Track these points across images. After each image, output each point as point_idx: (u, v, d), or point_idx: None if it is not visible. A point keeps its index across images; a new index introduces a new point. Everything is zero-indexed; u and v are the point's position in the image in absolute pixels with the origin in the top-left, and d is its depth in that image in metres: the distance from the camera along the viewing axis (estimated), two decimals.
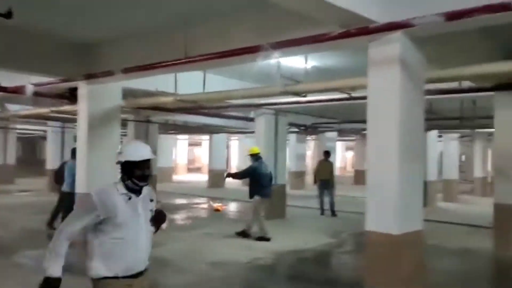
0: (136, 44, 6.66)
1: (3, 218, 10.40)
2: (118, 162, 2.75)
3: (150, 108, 10.00)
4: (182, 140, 31.08)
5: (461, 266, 7.32)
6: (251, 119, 13.42)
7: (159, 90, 8.43)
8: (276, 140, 11.48)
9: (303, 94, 6.33)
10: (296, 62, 7.11)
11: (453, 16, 3.41)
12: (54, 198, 14.34)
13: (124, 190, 2.69)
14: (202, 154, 34.77)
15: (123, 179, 2.72)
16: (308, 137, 23.89)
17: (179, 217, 11.64)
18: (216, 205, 11.31)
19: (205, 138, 30.36)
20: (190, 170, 33.51)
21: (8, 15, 3.83)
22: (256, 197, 8.45)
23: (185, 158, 32.86)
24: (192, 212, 12.70)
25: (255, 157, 8.66)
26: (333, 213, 11.91)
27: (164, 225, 2.96)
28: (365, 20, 3.99)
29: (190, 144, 35.02)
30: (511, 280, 6.66)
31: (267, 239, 8.39)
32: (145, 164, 2.71)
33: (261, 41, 4.60)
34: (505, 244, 7.60)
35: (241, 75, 9.15)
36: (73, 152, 8.54)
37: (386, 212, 4.22)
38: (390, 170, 4.20)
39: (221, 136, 21.88)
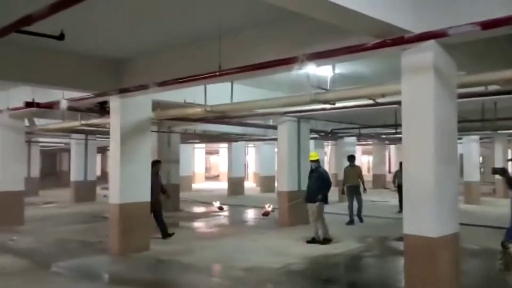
0: (169, 57, 6.90)
1: (36, 230, 10.69)
2: None
3: (178, 119, 10.23)
4: (199, 149, 31.41)
5: (484, 267, 7.34)
6: (272, 127, 13.60)
7: (187, 102, 8.65)
8: (299, 146, 11.62)
9: (332, 102, 6.48)
10: (322, 70, 7.27)
11: (489, 25, 3.54)
12: (79, 209, 14.76)
13: None
14: (219, 162, 35.03)
15: None
16: (325, 143, 23.99)
17: (204, 225, 11.83)
18: (266, 209, 11.30)
19: (222, 146, 30.65)
20: (207, 178, 33.80)
21: (61, 37, 4.07)
22: (320, 201, 8.83)
23: (203, 166, 33.17)
24: (216, 220, 12.88)
25: (317, 162, 9.13)
26: (361, 220, 11.76)
27: None
28: (398, 30, 4.14)
29: (207, 153, 35.36)
30: None
31: (330, 240, 8.86)
32: None
33: (293, 52, 4.79)
34: None
35: (268, 84, 9.34)
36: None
37: (424, 215, 4.33)
38: (427, 174, 4.31)
39: (240, 144, 22.10)
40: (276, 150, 17.35)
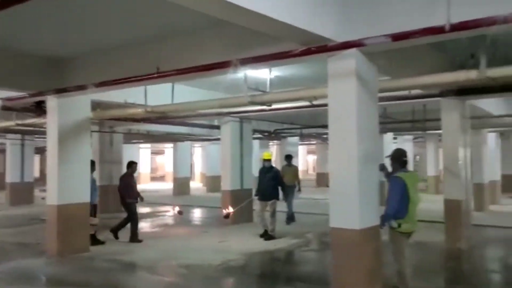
0: (108, 58, 6.90)
1: None
2: None
3: (120, 119, 10.16)
4: (145, 149, 30.94)
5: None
6: (216, 127, 13.78)
7: (128, 102, 8.64)
8: (242, 146, 11.88)
9: (269, 104, 6.76)
10: (260, 72, 7.55)
11: (398, 37, 3.94)
12: (15, 211, 14.17)
13: None
14: (165, 162, 34.67)
15: None
16: (271, 142, 24.48)
17: (148, 226, 11.80)
18: (226, 211, 11.33)
19: (168, 146, 30.40)
20: (153, 178, 33.35)
21: None
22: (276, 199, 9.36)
23: (148, 166, 32.70)
24: (160, 220, 12.88)
25: (271, 162, 9.60)
26: (290, 220, 11.51)
27: None
28: (323, 39, 4.46)
29: (153, 153, 34.89)
30: (458, 270, 7.34)
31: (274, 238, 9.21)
32: None
33: (230, 56, 5.00)
34: (454, 237, 8.31)
35: (209, 85, 9.51)
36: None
37: (349, 209, 4.69)
38: (351, 172, 4.68)
39: (185, 144, 22.06)
40: None
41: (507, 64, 5.09)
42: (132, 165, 9.19)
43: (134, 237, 9.02)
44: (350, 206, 4.71)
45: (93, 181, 8.61)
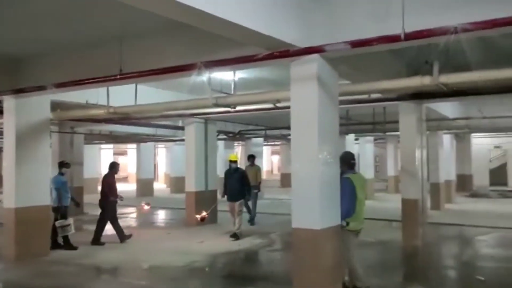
0: (69, 58, 6.77)
1: None
2: None
3: (81, 120, 9.96)
4: (106, 150, 30.27)
5: (375, 256, 8.22)
6: (181, 128, 13.72)
7: (89, 103, 8.49)
8: (206, 147, 11.89)
9: (233, 106, 6.83)
10: (225, 74, 7.61)
11: (357, 44, 4.11)
12: None
13: None
14: (128, 163, 34.04)
15: None
16: (235, 143, 24.54)
17: (110, 228, 11.58)
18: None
19: (130, 147, 29.86)
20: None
21: None
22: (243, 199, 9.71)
23: None
24: (123, 222, 12.65)
25: (237, 163, 9.86)
26: (252, 221, 11.52)
27: None
28: (285, 44, 4.57)
29: (115, 154, 34.18)
30: (414, 266, 7.66)
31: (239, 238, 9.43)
32: None
33: (194, 59, 5.05)
34: (410, 235, 8.65)
35: (173, 86, 9.48)
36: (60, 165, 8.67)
37: (310, 210, 4.82)
38: (312, 173, 4.81)
39: (149, 145, 21.79)
40: None
41: (458, 71, 5.38)
42: (115, 166, 9.33)
43: (97, 240, 8.88)
44: (312, 206, 4.84)
45: (64, 183, 8.50)
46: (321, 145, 4.86)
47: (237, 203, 9.53)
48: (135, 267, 7.24)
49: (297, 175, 4.96)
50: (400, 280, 6.78)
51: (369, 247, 8.64)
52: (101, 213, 9.09)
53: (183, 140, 17.06)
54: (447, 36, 3.77)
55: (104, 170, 30.41)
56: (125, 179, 33.48)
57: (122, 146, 30.71)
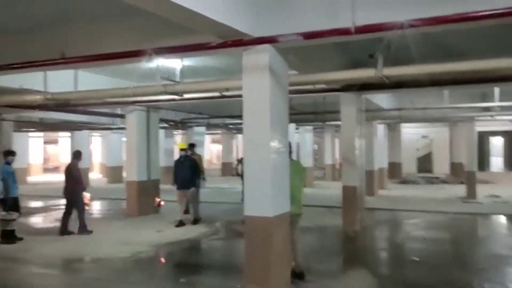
0: (8, 41, 6.26)
1: None
2: None
3: (13, 106, 9.32)
4: (36, 138, 28.52)
5: (317, 241, 8.54)
6: (119, 115, 13.27)
7: (23, 87, 7.95)
8: (148, 136, 11.61)
9: (181, 94, 6.72)
10: (172, 61, 7.44)
11: (309, 36, 4.22)
12: None
13: None
14: (60, 152, 32.35)
15: None
16: (175, 132, 24.16)
17: (43, 221, 11.03)
18: (157, 200, 11.04)
19: (62, 135, 28.38)
20: (46, 170, 30.92)
21: None
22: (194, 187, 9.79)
23: (41, 157, 30.24)
24: (58, 214, 12.06)
25: (186, 151, 10.00)
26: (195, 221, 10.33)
27: None
28: (238, 33, 4.58)
29: (45, 142, 32.33)
30: (353, 250, 8.06)
31: (200, 219, 9.87)
32: None
33: (142, 45, 4.90)
34: (350, 220, 9.08)
35: (117, 73, 9.13)
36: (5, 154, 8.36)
37: (262, 198, 4.91)
38: (264, 161, 4.89)
39: (83, 133, 20.83)
40: (124, 139, 16.92)
41: (398, 64, 5.68)
42: (80, 154, 9.17)
43: (83, 228, 8.83)
44: (264, 194, 4.92)
45: (11, 173, 8.07)
46: (273, 134, 4.94)
47: (189, 191, 9.67)
48: (75, 260, 6.97)
49: (250, 164, 5.01)
50: (340, 263, 7.11)
51: (310, 233, 8.95)
52: (67, 204, 8.85)
53: (122, 128, 16.56)
54: (394, 31, 3.98)
55: (33, 159, 28.56)
56: (55, 169, 31.82)
57: (53, 135, 29.08)
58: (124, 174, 17.87)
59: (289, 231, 5.26)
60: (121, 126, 15.91)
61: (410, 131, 23.23)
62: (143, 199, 11.02)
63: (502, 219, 11.02)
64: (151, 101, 9.77)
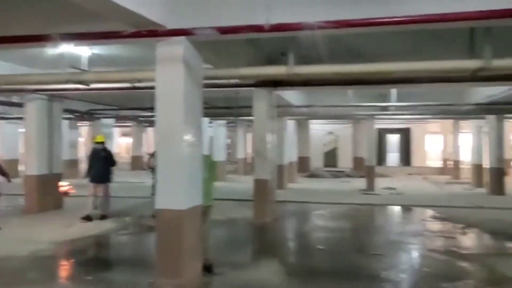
0: None
1: None
2: None
3: None
4: None
5: (228, 233, 8.69)
6: (16, 104, 12.25)
7: None
8: (50, 127, 10.84)
9: (87, 83, 6.39)
10: (80, 49, 7.03)
11: (225, 30, 4.28)
12: None
13: None
14: None
15: None
16: (80, 124, 22.82)
17: None
18: (64, 188, 10.02)
19: None
20: None
21: None
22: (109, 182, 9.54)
23: None
24: None
25: (103, 143, 9.63)
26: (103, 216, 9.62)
27: None
28: (152, 23, 4.48)
29: None
30: (263, 241, 8.34)
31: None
32: None
33: (47, 30, 4.59)
34: (261, 213, 9.36)
35: (18, 58, 8.37)
36: None
37: (175, 190, 4.88)
38: (178, 154, 4.86)
39: None
40: (21, 130, 15.61)
41: (309, 63, 5.97)
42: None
43: None
44: (177, 187, 4.90)
45: None
46: (187, 127, 4.93)
47: (103, 185, 9.43)
48: None
49: (163, 156, 4.95)
50: (251, 254, 7.31)
51: (222, 226, 9.08)
52: None
53: (19, 118, 15.23)
54: (305, 31, 4.19)
55: None
56: None
57: None
58: (22, 168, 16.48)
59: (200, 224, 5.29)
60: (19, 116, 14.64)
61: (317, 128, 24.43)
62: (44, 195, 10.30)
63: (397, 208, 12.10)
64: (54, 89, 9.13)
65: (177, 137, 4.87)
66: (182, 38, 4.69)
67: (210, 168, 5.86)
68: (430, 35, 5.54)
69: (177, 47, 4.80)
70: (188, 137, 4.94)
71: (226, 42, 5.85)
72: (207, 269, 5.62)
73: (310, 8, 4.43)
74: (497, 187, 14.18)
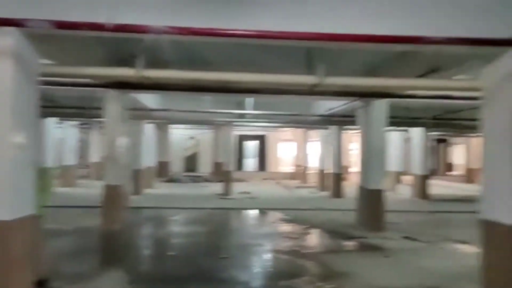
0: None
1: None
2: None
3: None
4: None
5: (72, 243, 8.04)
6: None
7: None
8: None
9: None
10: None
11: (62, 25, 3.97)
12: None
13: None
14: None
15: None
16: None
17: None
18: None
19: None
20: None
21: None
22: None
23: None
24: None
25: None
26: None
27: None
28: None
29: None
30: (111, 249, 7.98)
31: None
32: None
33: None
34: (110, 220, 8.90)
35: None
36: None
37: (0, 200, 4.32)
38: (3, 158, 4.32)
39: None
40: None
41: (159, 67, 5.88)
42: None
43: None
44: (1, 195, 4.36)
45: None
46: (16, 128, 4.42)
47: None
48: None
49: None
50: (96, 264, 6.87)
51: (65, 235, 8.41)
52: None
53: None
54: (151, 35, 4.12)
55: None
56: None
57: None
58: None
59: (31, 236, 4.79)
60: None
61: (179, 132, 24.32)
62: None
63: (250, 212, 12.66)
64: None
65: (2, 138, 4.33)
66: (13, 29, 4.21)
67: (41, 174, 5.33)
68: (276, 50, 5.91)
69: (6, 38, 4.28)
70: (16, 139, 4.42)
71: (77, 39, 5.43)
72: (41, 284, 5.11)
73: (159, 13, 4.38)
74: (337, 191, 15.82)
